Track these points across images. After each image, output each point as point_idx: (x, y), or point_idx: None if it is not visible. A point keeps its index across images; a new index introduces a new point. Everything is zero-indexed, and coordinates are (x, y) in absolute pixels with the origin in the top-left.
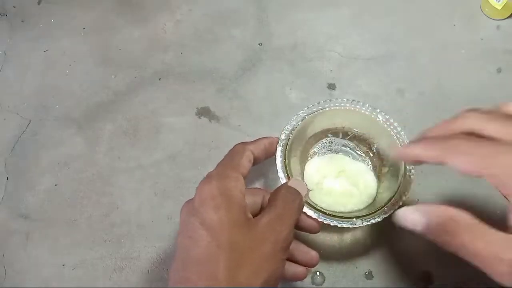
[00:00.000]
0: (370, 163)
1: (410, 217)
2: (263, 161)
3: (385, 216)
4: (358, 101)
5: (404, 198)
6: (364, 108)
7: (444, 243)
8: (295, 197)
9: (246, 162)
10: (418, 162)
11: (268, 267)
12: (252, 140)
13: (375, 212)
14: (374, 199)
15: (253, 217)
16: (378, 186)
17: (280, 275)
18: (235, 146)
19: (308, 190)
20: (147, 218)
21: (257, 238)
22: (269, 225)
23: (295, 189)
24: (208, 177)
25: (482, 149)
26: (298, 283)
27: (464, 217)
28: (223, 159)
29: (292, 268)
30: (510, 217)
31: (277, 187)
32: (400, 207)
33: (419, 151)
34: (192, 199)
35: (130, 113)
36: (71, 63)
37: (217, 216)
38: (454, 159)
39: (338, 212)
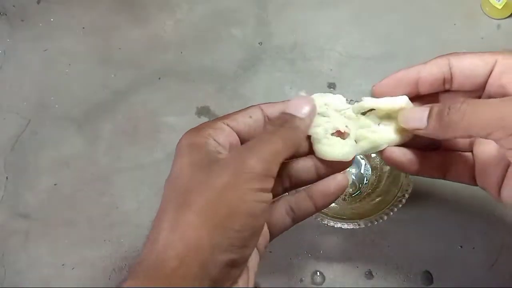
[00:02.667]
0: (369, 163)
1: (412, 116)
2: None
3: (388, 216)
4: (357, 101)
5: (406, 197)
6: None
7: (445, 124)
8: (280, 125)
9: (242, 116)
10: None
11: (221, 204)
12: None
13: (378, 212)
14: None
15: None
16: (379, 186)
17: (250, 216)
18: None
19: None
20: (146, 218)
21: (213, 172)
22: (232, 157)
23: (284, 116)
24: (182, 135)
25: None
26: (298, 283)
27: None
28: None
29: (329, 181)
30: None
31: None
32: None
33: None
34: None
35: (130, 112)
36: (70, 62)
37: (179, 163)
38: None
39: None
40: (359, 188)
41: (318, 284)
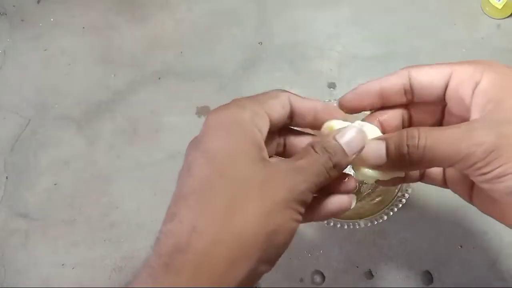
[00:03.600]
0: None
1: (369, 150)
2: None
3: (388, 216)
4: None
5: (406, 196)
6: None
7: (406, 164)
8: (327, 158)
9: (277, 104)
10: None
11: (277, 216)
12: None
13: (378, 212)
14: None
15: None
16: (379, 186)
17: (290, 236)
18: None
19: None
20: (146, 217)
21: (271, 179)
22: (287, 171)
23: (336, 147)
24: (218, 107)
25: None
26: (298, 283)
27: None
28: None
29: (334, 200)
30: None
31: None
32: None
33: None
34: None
35: (130, 112)
36: (70, 62)
37: (224, 144)
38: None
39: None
40: (359, 188)
41: (318, 284)
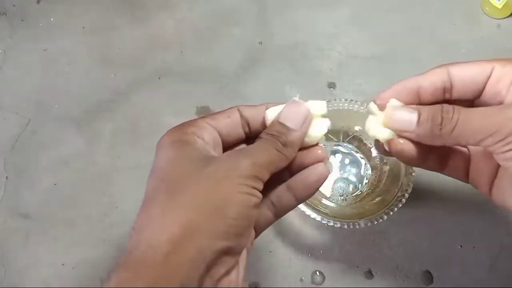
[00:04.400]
0: (369, 163)
1: (400, 115)
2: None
3: (388, 216)
4: (357, 101)
5: (406, 196)
6: (363, 108)
7: (437, 133)
8: (274, 140)
9: (221, 116)
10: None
11: (218, 193)
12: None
13: (378, 212)
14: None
15: None
16: (379, 186)
17: (243, 208)
18: None
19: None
20: None
21: (209, 166)
22: (229, 155)
23: (280, 127)
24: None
25: None
26: (298, 283)
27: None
28: None
29: (309, 172)
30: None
31: None
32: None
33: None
34: None
35: (130, 112)
36: (70, 62)
37: (166, 157)
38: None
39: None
40: (359, 188)
41: (318, 283)
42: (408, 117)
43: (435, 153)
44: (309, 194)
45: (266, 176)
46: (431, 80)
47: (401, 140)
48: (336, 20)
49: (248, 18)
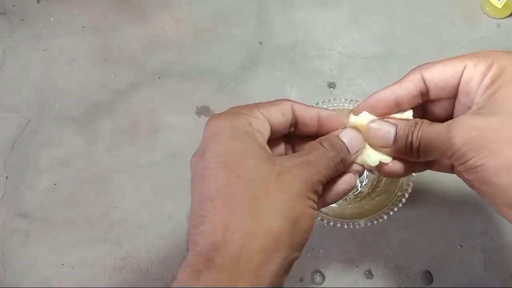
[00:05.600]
0: None
1: (381, 130)
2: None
3: (388, 215)
4: (357, 101)
5: (406, 196)
6: None
7: (410, 155)
8: (336, 153)
9: (276, 110)
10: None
11: (297, 206)
12: None
13: (378, 212)
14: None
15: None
16: (379, 186)
17: (310, 224)
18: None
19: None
20: (146, 217)
21: (285, 173)
22: (300, 164)
23: (342, 144)
24: (214, 116)
25: None
26: (298, 283)
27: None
28: None
29: (339, 181)
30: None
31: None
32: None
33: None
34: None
35: (130, 112)
36: (70, 62)
37: (230, 147)
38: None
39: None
40: (359, 188)
41: (318, 283)
42: (387, 132)
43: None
44: (335, 200)
45: (321, 190)
46: (406, 88)
47: (389, 163)
48: (336, 20)
49: (248, 18)
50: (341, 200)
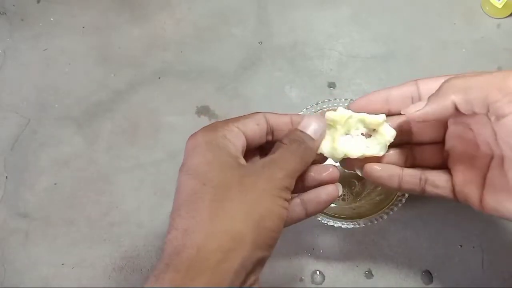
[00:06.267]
0: None
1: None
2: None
3: (388, 215)
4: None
5: (406, 196)
6: None
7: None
8: (297, 145)
9: (250, 121)
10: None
11: (261, 204)
12: None
13: (378, 212)
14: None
15: None
16: (379, 186)
17: (278, 220)
18: None
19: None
20: (146, 217)
21: (248, 176)
22: (263, 165)
23: (301, 135)
24: (194, 133)
25: None
26: (298, 283)
27: None
28: None
29: (321, 191)
30: None
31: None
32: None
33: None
34: None
35: (130, 112)
36: (70, 62)
37: (202, 159)
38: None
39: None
40: (359, 187)
41: (318, 283)
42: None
43: (413, 176)
44: (318, 210)
45: (293, 185)
46: (400, 90)
47: (378, 167)
48: (336, 20)
49: (248, 18)
50: (341, 200)
